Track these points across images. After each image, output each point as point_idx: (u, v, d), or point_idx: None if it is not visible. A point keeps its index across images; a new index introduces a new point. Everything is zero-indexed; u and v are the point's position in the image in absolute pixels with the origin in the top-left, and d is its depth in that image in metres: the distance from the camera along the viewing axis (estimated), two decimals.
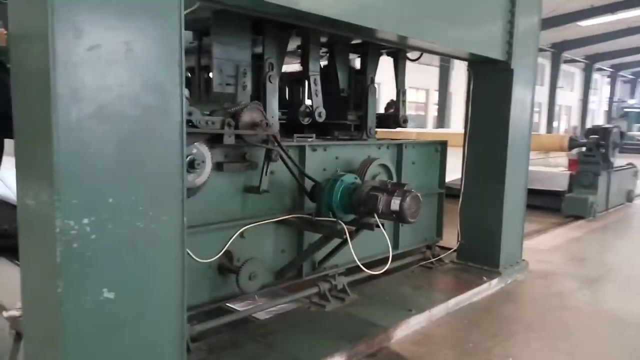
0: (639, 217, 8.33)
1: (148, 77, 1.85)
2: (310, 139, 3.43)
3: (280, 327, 3.19)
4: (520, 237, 4.83)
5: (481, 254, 4.59)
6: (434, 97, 28.19)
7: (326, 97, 4.40)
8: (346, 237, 2.89)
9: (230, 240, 2.91)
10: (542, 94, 34.66)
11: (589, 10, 23.33)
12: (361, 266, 3.12)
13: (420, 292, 3.94)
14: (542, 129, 33.91)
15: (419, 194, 2.91)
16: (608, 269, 5.08)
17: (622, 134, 8.36)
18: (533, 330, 3.51)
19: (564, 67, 36.62)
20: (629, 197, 9.28)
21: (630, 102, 42.28)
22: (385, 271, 4.26)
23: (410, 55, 4.74)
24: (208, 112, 2.67)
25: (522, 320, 3.69)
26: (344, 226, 2.93)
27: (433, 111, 28.52)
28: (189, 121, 2.48)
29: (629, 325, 3.61)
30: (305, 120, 3.84)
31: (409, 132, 9.80)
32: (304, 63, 3.75)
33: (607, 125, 8.87)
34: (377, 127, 4.65)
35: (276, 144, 2.90)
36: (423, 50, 4.45)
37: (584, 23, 25.66)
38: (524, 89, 4.45)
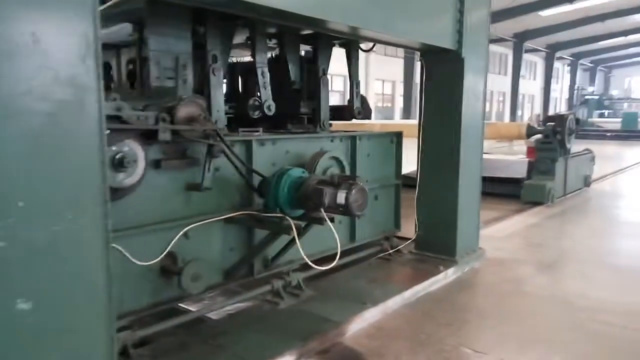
0: (594, 202, 8.54)
1: (59, 70, 1.72)
2: (257, 133, 3.34)
3: (232, 328, 3.10)
4: (477, 225, 4.86)
5: (438, 244, 4.60)
6: (401, 88, 28.42)
7: (278, 90, 4.33)
8: (294, 233, 2.82)
9: (173, 241, 2.80)
10: (505, 83, 35.43)
11: (549, 0, 23.86)
12: (309, 262, 3.05)
13: (376, 285, 3.91)
14: (507, 118, 34.66)
15: (365, 187, 2.86)
16: (563, 253, 5.18)
17: (577, 121, 8.54)
18: (486, 317, 3.53)
19: (526, 56, 37.47)
20: (587, 182, 9.51)
21: (590, 89, 43.58)
22: (343, 265, 4.27)
23: (362, 46, 4.69)
24: (142, 107, 2.55)
25: (477, 308, 3.71)
26: (291, 222, 2.86)
27: (400, 103, 28.75)
28: (118, 117, 2.36)
29: (581, 309, 3.67)
30: (255, 114, 3.74)
31: (372, 124, 9.81)
32: (252, 55, 3.65)
33: (563, 113, 9.07)
34: (332, 119, 4.61)
35: (218, 139, 2.80)
36: (374, 41, 4.41)
37: (544, 13, 26.26)
38: (475, 77, 4.46)
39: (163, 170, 2.73)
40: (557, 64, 43.82)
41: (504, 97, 38.07)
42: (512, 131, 8.69)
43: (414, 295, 3.84)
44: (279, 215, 2.93)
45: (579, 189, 9.23)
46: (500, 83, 37.16)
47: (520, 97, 39.91)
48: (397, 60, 24.44)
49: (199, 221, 2.93)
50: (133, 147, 2.36)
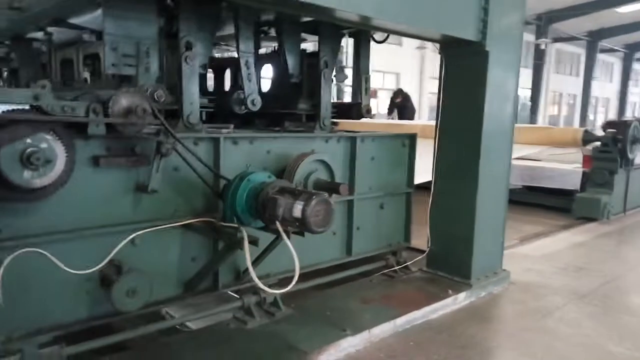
0: None
1: None
2: (227, 130, 2.97)
3: (183, 349, 2.76)
4: (501, 243, 4.25)
5: (452, 263, 4.05)
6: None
7: (275, 84, 3.96)
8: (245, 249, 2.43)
9: (117, 249, 2.49)
10: (576, 85, 33.14)
11: None
12: (263, 286, 2.62)
13: (368, 307, 3.44)
14: (576, 122, 32.37)
15: (329, 199, 2.41)
16: (605, 281, 4.44)
17: None
18: (490, 357, 2.98)
19: (601, 56, 34.81)
20: None
21: None
22: (339, 280, 3.85)
23: (377, 36, 4.22)
24: (72, 97, 2.25)
25: (481, 344, 3.15)
26: (245, 235, 2.47)
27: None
28: (36, 107, 2.08)
29: (615, 356, 3.03)
30: (240, 109, 3.38)
31: (411, 125, 9.21)
32: (236, 42, 3.29)
33: (627, 118, 8.05)
34: (338, 117, 4.18)
35: (168, 136, 2.46)
36: (387, 31, 3.92)
37: (622, 9, 24.16)
38: (503, 74, 3.85)
39: (103, 168, 2.42)
40: (637, 66, 40.43)
41: (575, 100, 35.58)
42: (566, 137, 7.78)
43: (408, 322, 3.34)
44: (234, 225, 2.55)
45: None
46: (570, 85, 34.76)
47: (593, 100, 37.22)
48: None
49: (149, 227, 2.61)
50: (51, 143, 2.06)
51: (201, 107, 3.29)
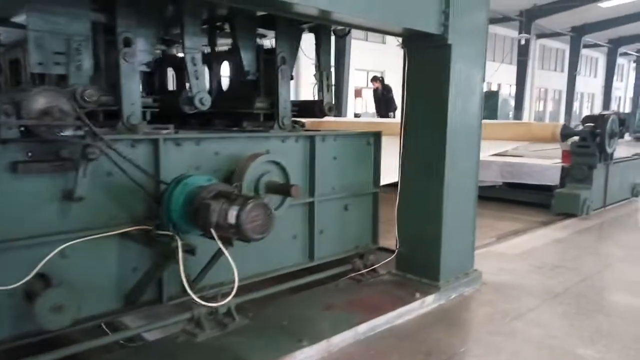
0: None
1: None
2: (167, 131, 2.79)
3: None
4: (471, 242, 4.10)
5: (420, 264, 3.90)
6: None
7: (233, 82, 3.80)
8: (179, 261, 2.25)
9: (43, 262, 2.30)
10: (561, 81, 33.28)
11: None
12: (196, 300, 2.45)
13: (329, 314, 3.28)
14: (561, 118, 32.47)
15: (267, 203, 2.24)
16: (581, 279, 4.32)
17: (622, 121, 7.45)
18: None
19: (585, 52, 35.01)
20: (635, 192, 8.37)
21: None
22: (303, 286, 3.68)
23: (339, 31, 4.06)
24: None
25: (445, 351, 3.00)
26: (179, 243, 2.29)
27: None
28: None
29: None
30: (189, 109, 3.20)
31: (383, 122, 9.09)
32: (180, 38, 3.11)
33: (605, 112, 7.98)
34: (300, 116, 4.01)
35: (96, 138, 2.27)
36: (347, 25, 3.78)
37: (605, 4, 24.23)
38: (467, 68, 3.71)
39: (22, 175, 2.24)
40: (621, 60, 40.70)
41: (560, 96, 35.71)
42: (545, 132, 7.68)
43: (371, 329, 3.18)
44: (168, 233, 2.37)
45: (625, 199, 8.11)
46: (555, 80, 34.91)
47: (578, 95, 37.39)
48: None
49: (80, 237, 2.42)
50: None
51: (146, 107, 3.12)
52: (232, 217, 2.10)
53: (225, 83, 4.15)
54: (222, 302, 2.49)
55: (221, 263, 2.93)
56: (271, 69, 3.67)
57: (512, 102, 29.82)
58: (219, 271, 2.97)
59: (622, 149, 9.74)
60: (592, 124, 7.24)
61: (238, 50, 3.58)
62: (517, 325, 3.36)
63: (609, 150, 7.13)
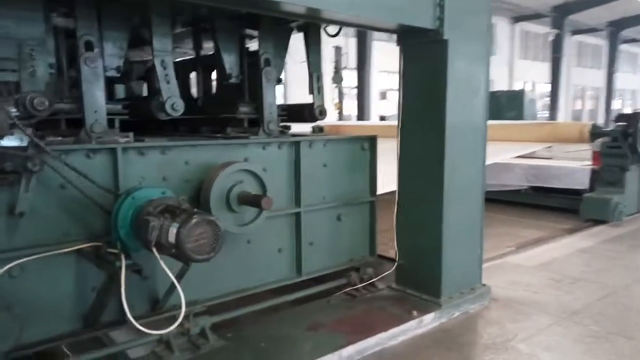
0: None
1: None
2: (125, 139, 2.60)
3: None
4: (478, 254, 3.76)
5: (421, 279, 3.60)
6: None
7: (218, 86, 3.61)
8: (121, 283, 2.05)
9: None
10: (599, 78, 31.89)
11: None
12: (139, 325, 2.22)
13: (314, 335, 3.02)
14: (600, 117, 31.09)
15: (214, 220, 2.01)
16: (604, 295, 3.90)
17: None
18: None
19: (624, 47, 33.41)
20: None
21: None
22: (296, 302, 3.44)
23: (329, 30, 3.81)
24: None
25: None
26: (123, 263, 2.09)
27: None
28: None
29: None
30: (162, 116, 3.02)
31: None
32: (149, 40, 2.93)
33: (639, 110, 7.42)
34: (290, 121, 3.79)
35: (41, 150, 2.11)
36: (339, 24, 3.53)
37: None
38: (467, 65, 3.39)
39: None
40: None
41: (598, 94, 34.21)
42: (572, 132, 7.18)
43: (359, 352, 2.90)
44: (114, 251, 2.17)
45: None
46: (593, 78, 33.43)
47: (619, 93, 35.72)
48: None
49: (30, 255, 2.26)
50: None
51: (114, 114, 2.95)
52: (171, 236, 1.89)
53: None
54: (171, 328, 2.25)
55: (192, 280, 2.74)
56: (256, 72, 3.46)
57: (544, 101, 28.88)
58: (190, 289, 2.77)
59: None
60: (624, 123, 6.72)
61: (219, 52, 3.38)
62: (523, 349, 3.01)
63: None
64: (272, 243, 3.23)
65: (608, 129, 6.87)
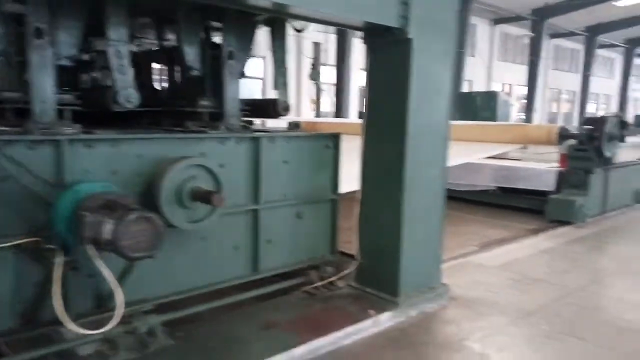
0: None
1: None
2: (71, 130, 2.52)
3: None
4: (437, 254, 3.78)
5: (380, 278, 3.60)
6: None
7: (177, 79, 3.54)
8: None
9: None
10: (576, 81, 32.46)
11: None
12: (68, 326, 2.16)
13: (267, 334, 2.99)
14: (576, 120, 31.67)
15: (153, 217, 1.96)
16: (561, 296, 3.97)
17: (623, 124, 7.02)
18: None
19: (601, 52, 34.06)
20: (637, 198, 7.93)
21: None
22: (250, 300, 3.40)
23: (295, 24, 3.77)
24: None
25: None
26: (57, 259, 2.02)
27: None
28: None
29: None
30: (117, 107, 2.94)
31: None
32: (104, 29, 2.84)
33: (605, 114, 7.57)
34: (255, 116, 3.74)
35: None
36: (305, 19, 3.49)
37: (620, 2, 23.48)
38: (432, 65, 3.39)
39: None
40: (638, 61, 39.59)
41: (574, 97, 34.84)
42: (541, 134, 7.28)
43: (311, 352, 2.88)
44: (51, 247, 2.11)
45: (626, 206, 7.68)
46: (569, 81, 34.03)
47: (593, 96, 36.43)
48: None
49: None
50: None
51: (67, 104, 2.86)
52: (107, 232, 1.83)
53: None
54: (107, 328, 2.19)
55: (143, 277, 2.68)
56: (219, 65, 3.40)
57: (521, 103, 29.28)
58: (139, 287, 2.72)
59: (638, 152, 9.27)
60: (590, 127, 6.84)
61: (180, 44, 3.30)
62: (477, 348, 3.04)
63: (607, 154, 6.72)
64: (228, 240, 3.18)
65: (575, 132, 6.97)
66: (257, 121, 4.67)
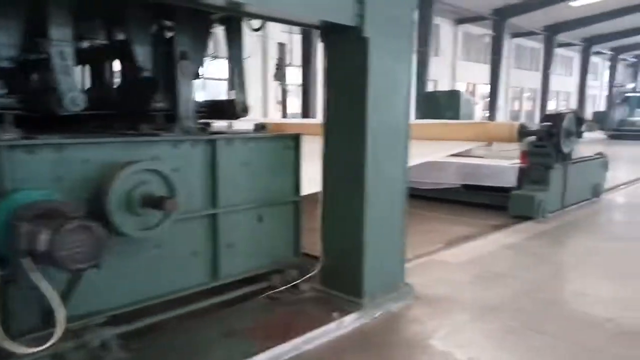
0: (600, 216, 7.22)
1: None
2: (9, 136, 2.37)
3: None
4: (401, 254, 3.76)
5: (344, 279, 3.56)
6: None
7: (128, 80, 3.41)
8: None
9: None
10: (537, 80, 33.39)
11: None
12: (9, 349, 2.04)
13: (227, 343, 2.91)
14: (537, 117, 32.57)
15: (93, 226, 1.86)
16: (523, 291, 4.01)
17: (579, 121, 7.21)
18: None
19: (560, 51, 35.15)
20: (596, 192, 8.16)
21: (629, 86, 40.69)
22: (209, 307, 3.30)
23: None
24: None
25: None
26: None
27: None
28: None
29: None
30: (63, 111, 2.80)
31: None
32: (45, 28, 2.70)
33: (562, 111, 7.77)
34: (212, 117, 3.64)
35: None
36: (257, 17, 3.42)
37: (576, 3, 24.26)
38: (390, 63, 3.37)
39: None
40: (596, 59, 41.04)
41: (536, 95, 35.83)
42: (502, 132, 7.40)
43: (275, 357, 2.81)
44: None
45: (586, 200, 7.89)
46: (531, 80, 34.98)
47: (554, 94, 37.55)
48: None
49: None
50: None
51: (9, 108, 2.70)
52: (42, 243, 1.72)
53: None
54: (45, 346, 2.06)
55: (95, 288, 2.56)
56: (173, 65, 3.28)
57: (482, 102, 29.92)
58: (92, 298, 2.59)
59: (597, 147, 9.54)
60: (549, 123, 6.99)
61: (130, 43, 3.18)
62: (440, 346, 3.03)
63: (565, 150, 6.88)
64: (186, 246, 3.08)
65: (534, 129, 7.12)
66: (224, 123, 4.58)
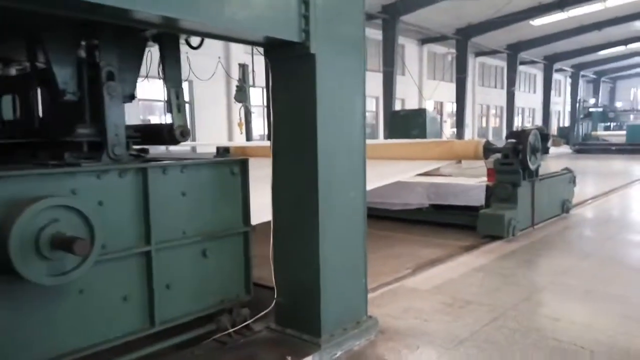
0: (571, 233, 7.10)
1: None
2: None
3: None
4: (362, 286, 3.47)
5: (300, 317, 3.24)
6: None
7: (50, 104, 3.07)
8: None
9: None
10: (502, 97, 34.12)
11: (538, 8, 22.60)
12: None
13: None
14: (504, 133, 33.14)
15: None
16: (492, 319, 3.75)
17: (544, 137, 7.14)
18: None
19: (524, 68, 36.15)
20: (565, 208, 8.09)
21: (591, 101, 42.06)
22: (151, 356, 2.92)
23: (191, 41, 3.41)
24: None
25: None
26: None
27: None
28: None
29: None
30: None
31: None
32: None
33: (527, 127, 7.71)
34: (147, 143, 3.32)
35: None
36: (194, 34, 3.14)
37: (536, 22, 24.99)
38: (339, 82, 3.13)
39: None
40: (558, 76, 42.37)
41: (502, 112, 36.58)
42: (468, 149, 7.27)
43: None
44: None
45: (555, 216, 7.80)
46: (496, 97, 35.78)
47: (519, 111, 38.43)
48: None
49: None
50: None
51: None
52: None
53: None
54: None
55: (11, 341, 2.19)
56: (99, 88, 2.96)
57: (450, 120, 30.29)
58: (8, 352, 2.21)
59: (563, 162, 9.52)
60: (514, 140, 6.89)
61: (50, 65, 2.85)
62: None
63: (532, 166, 6.78)
64: (114, 290, 2.71)
65: (500, 146, 7.01)
66: (187, 148, 4.24)
